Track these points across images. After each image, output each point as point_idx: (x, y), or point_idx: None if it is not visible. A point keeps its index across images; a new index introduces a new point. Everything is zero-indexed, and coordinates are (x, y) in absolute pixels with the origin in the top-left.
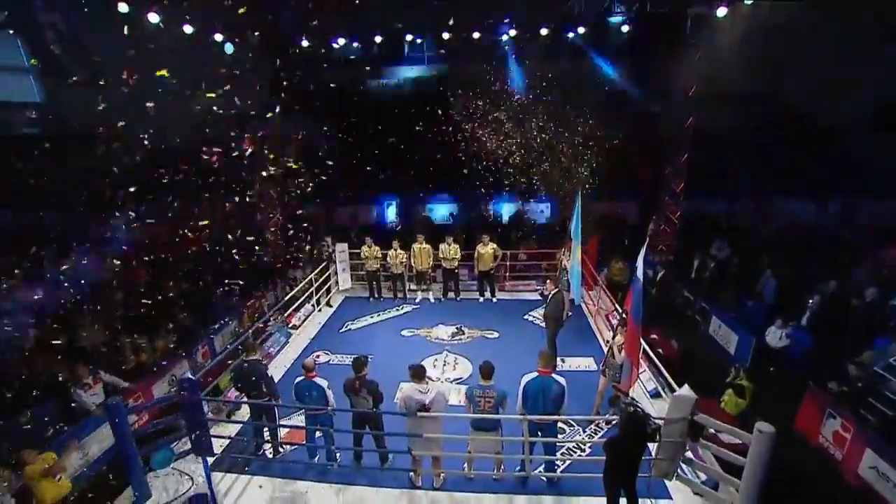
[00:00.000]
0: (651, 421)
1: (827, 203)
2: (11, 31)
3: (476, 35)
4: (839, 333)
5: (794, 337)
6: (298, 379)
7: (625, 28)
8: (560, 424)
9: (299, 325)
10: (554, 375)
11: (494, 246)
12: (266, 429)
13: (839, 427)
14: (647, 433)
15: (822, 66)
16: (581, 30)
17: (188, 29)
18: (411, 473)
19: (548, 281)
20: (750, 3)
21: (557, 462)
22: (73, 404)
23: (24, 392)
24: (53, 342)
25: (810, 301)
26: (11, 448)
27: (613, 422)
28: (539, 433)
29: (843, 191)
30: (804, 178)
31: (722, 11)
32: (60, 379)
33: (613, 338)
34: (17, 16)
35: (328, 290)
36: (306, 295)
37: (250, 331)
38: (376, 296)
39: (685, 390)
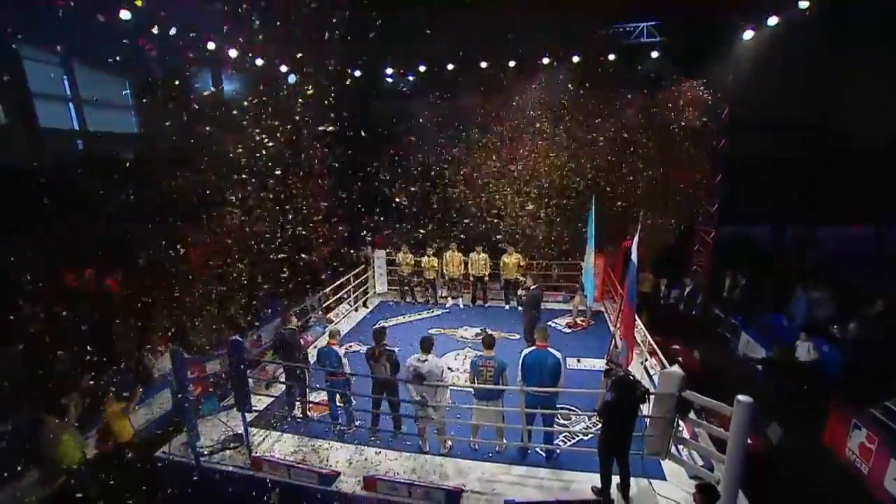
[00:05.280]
0: (641, 385)
1: (884, 227)
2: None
3: (511, 63)
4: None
5: (828, 352)
6: (322, 345)
7: (654, 54)
8: (564, 410)
9: (335, 321)
10: (549, 349)
11: (519, 256)
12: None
13: (864, 438)
14: (637, 394)
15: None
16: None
17: (259, 61)
18: (419, 440)
19: (528, 278)
20: (773, 25)
21: (559, 441)
22: (145, 368)
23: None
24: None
25: (851, 325)
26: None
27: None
28: (538, 406)
29: None
30: (858, 203)
31: (748, 34)
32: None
33: (616, 326)
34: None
35: (365, 293)
36: (344, 292)
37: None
38: (409, 299)
39: (673, 368)
